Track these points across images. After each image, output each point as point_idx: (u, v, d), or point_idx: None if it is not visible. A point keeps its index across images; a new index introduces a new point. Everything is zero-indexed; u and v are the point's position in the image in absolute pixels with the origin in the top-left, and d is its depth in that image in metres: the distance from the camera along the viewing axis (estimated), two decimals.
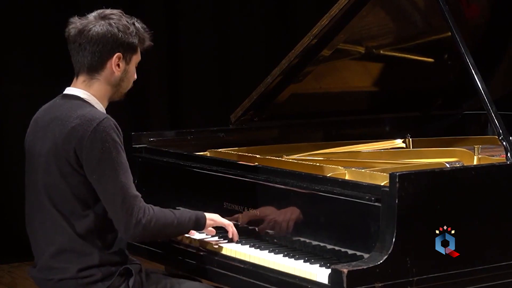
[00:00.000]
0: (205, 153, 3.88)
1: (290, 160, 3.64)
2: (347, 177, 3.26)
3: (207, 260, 3.21)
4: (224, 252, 3.18)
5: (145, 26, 3.12)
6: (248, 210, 3.30)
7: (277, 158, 3.66)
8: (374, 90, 4.47)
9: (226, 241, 3.23)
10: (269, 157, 3.69)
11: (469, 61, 3.36)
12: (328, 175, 3.18)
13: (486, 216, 3.00)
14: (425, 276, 2.83)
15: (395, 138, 4.21)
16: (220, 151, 3.87)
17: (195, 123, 6.10)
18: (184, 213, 3.11)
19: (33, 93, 5.93)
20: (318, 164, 3.48)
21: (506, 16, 4.21)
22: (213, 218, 3.17)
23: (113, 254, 3.02)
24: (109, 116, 2.97)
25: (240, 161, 3.50)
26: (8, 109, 6.00)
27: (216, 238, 3.26)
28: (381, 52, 4.17)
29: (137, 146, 3.83)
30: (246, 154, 3.74)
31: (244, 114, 4.08)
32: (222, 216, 3.23)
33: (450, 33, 3.45)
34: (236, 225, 3.26)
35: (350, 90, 4.38)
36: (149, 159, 3.78)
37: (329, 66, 4.06)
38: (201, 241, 3.28)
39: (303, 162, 3.58)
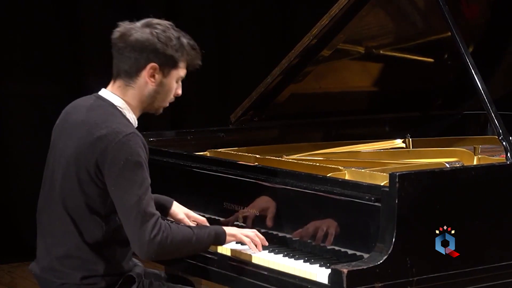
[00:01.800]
0: (205, 153, 3.88)
1: (290, 160, 3.64)
2: (347, 177, 3.26)
3: (207, 260, 3.21)
4: (223, 252, 3.17)
5: (193, 43, 3.04)
6: (247, 210, 3.30)
7: (277, 158, 3.66)
8: (374, 90, 4.47)
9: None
10: (269, 157, 3.69)
11: (469, 61, 3.36)
12: (328, 175, 3.17)
13: (486, 216, 3.00)
14: (425, 276, 2.83)
15: (395, 138, 4.22)
16: (220, 151, 3.87)
17: (195, 123, 6.10)
18: (202, 229, 3.02)
19: (33, 93, 5.94)
20: (318, 164, 3.48)
21: (506, 16, 4.21)
22: (233, 233, 3.06)
23: (119, 265, 2.98)
24: (136, 131, 2.91)
25: (240, 161, 3.50)
26: (8, 109, 6.00)
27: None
28: (381, 52, 4.17)
29: None
30: (246, 154, 3.74)
31: (244, 114, 4.08)
32: (222, 216, 3.22)
33: (450, 33, 3.45)
34: (236, 225, 3.26)
35: (350, 90, 4.38)
36: (149, 159, 3.77)
37: (329, 66, 4.06)
38: None
39: (303, 162, 3.58)
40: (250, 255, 3.08)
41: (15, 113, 5.98)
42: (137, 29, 2.94)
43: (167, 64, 2.97)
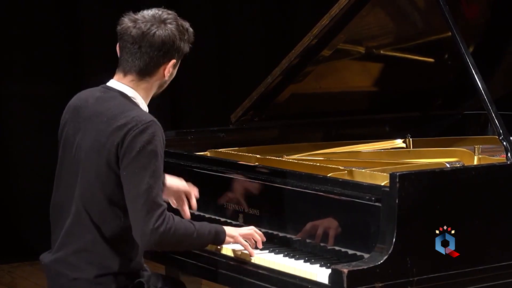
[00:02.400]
0: (205, 153, 3.88)
1: (290, 160, 3.64)
2: (347, 177, 3.26)
3: (207, 260, 3.21)
4: (224, 252, 3.17)
5: (192, 31, 3.09)
6: (248, 210, 3.30)
7: (277, 158, 3.66)
8: (374, 90, 4.47)
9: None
10: (269, 157, 3.69)
11: (469, 61, 3.36)
12: (328, 175, 3.17)
13: (486, 216, 3.00)
14: (425, 276, 2.83)
15: (395, 138, 4.21)
16: (220, 151, 3.86)
17: (195, 123, 6.10)
18: (204, 225, 3.03)
19: (33, 93, 5.95)
20: (318, 164, 3.48)
21: (506, 16, 4.21)
22: (233, 235, 3.08)
23: (132, 262, 2.98)
24: (156, 121, 2.93)
25: (241, 161, 3.50)
26: (8, 109, 6.01)
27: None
28: (381, 52, 4.17)
29: None
30: (246, 154, 3.74)
31: (244, 114, 4.08)
32: (222, 216, 3.22)
33: (450, 33, 3.45)
34: (236, 225, 3.26)
35: (350, 90, 4.38)
36: None
37: (329, 66, 4.06)
38: None
39: (303, 162, 3.58)
40: (250, 255, 3.08)
41: (15, 113, 5.99)
42: (155, 26, 2.96)
43: (180, 56, 3.05)
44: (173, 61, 3.00)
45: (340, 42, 3.88)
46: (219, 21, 6.66)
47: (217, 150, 3.89)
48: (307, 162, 3.56)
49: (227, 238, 3.07)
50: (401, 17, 4.03)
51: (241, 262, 3.10)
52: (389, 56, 4.21)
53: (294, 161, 3.61)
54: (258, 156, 3.69)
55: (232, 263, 3.12)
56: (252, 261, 3.06)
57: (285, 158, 3.73)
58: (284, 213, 3.18)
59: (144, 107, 3.02)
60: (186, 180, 3.35)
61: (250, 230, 3.12)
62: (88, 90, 3.08)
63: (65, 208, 2.98)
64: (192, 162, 3.60)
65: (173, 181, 3.30)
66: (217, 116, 6.10)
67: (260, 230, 3.18)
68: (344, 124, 4.37)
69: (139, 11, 3.04)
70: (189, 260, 3.28)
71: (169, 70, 3.01)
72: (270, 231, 3.21)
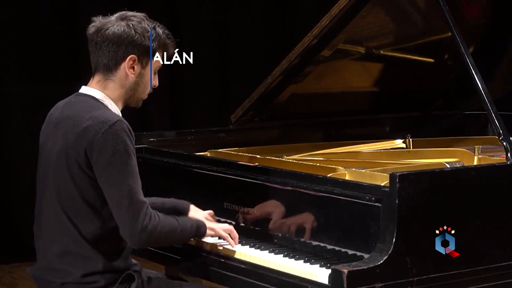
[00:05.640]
0: (205, 153, 3.88)
1: (290, 160, 3.64)
2: (347, 177, 3.26)
3: (207, 260, 3.21)
4: (224, 252, 3.18)
5: (168, 32, 3.08)
6: (247, 210, 3.30)
7: (277, 158, 3.66)
8: (374, 90, 4.47)
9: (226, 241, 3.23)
10: (269, 157, 3.69)
11: (469, 61, 3.36)
12: (328, 175, 3.17)
13: (486, 216, 3.00)
14: (425, 276, 2.83)
15: (395, 138, 4.22)
16: (220, 151, 3.87)
17: (195, 123, 6.11)
18: (186, 220, 3.10)
19: (33, 93, 5.94)
20: (318, 164, 3.48)
21: (506, 16, 4.21)
22: (213, 227, 3.15)
23: (118, 261, 2.99)
24: (122, 119, 2.93)
25: (241, 161, 3.50)
26: (8, 109, 6.01)
27: (216, 239, 3.25)
28: (381, 52, 4.17)
29: (138, 146, 3.82)
30: (246, 154, 3.74)
31: (244, 114, 4.08)
32: (222, 216, 3.23)
33: (450, 33, 3.45)
34: (236, 225, 3.26)
35: (350, 90, 4.39)
36: (150, 160, 3.78)
37: (329, 66, 4.06)
38: (200, 241, 3.28)
39: (303, 162, 3.58)
40: (250, 255, 3.08)
41: (15, 113, 5.99)
42: (112, 23, 2.99)
43: (145, 54, 3.02)
44: (132, 56, 2.98)
45: (340, 42, 3.88)
46: (219, 21, 6.66)
47: (217, 150, 3.89)
48: (307, 162, 3.56)
49: (208, 231, 3.14)
50: (401, 17, 4.03)
51: (241, 262, 3.10)
52: (389, 56, 4.21)
53: (294, 161, 3.61)
54: (258, 156, 3.69)
55: (232, 263, 3.12)
56: (252, 261, 3.06)
57: (285, 158, 3.73)
58: (284, 213, 3.18)
59: (115, 108, 3.02)
60: (187, 180, 3.35)
61: (230, 226, 3.20)
62: (64, 99, 3.11)
63: (44, 213, 3.01)
64: (192, 162, 3.60)
65: (200, 213, 3.30)
66: (217, 116, 6.11)
67: (259, 230, 3.20)
68: (344, 124, 4.38)
69: (138, 11, 3.05)
70: (188, 260, 3.29)
71: (130, 66, 2.99)
72: (270, 231, 3.21)
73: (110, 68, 3.00)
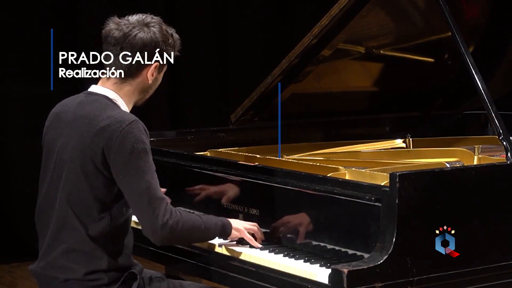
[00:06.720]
0: (205, 153, 3.88)
1: (290, 160, 3.64)
2: (347, 177, 3.26)
3: (208, 260, 3.21)
4: (224, 252, 3.18)
5: (178, 37, 3.10)
6: (248, 210, 3.30)
7: (277, 158, 3.66)
8: (374, 90, 4.47)
9: (227, 241, 3.23)
10: (269, 157, 3.69)
11: (469, 61, 3.36)
12: (328, 175, 3.17)
13: (486, 216, 3.00)
14: (425, 276, 2.83)
15: (395, 138, 4.22)
16: (220, 151, 3.87)
17: (196, 123, 6.10)
18: (210, 218, 3.08)
19: (32, 93, 5.94)
20: (318, 164, 3.48)
21: (506, 16, 4.21)
22: (239, 228, 3.13)
23: (122, 259, 3.00)
24: (138, 119, 2.95)
25: (241, 161, 3.50)
26: (8, 109, 6.00)
27: (215, 239, 3.25)
28: (381, 52, 4.17)
29: None
30: (247, 154, 3.74)
31: (244, 114, 4.09)
32: (222, 216, 3.22)
33: (450, 33, 3.45)
34: None
35: (350, 90, 4.39)
36: None
37: (329, 66, 4.06)
38: None
39: (303, 162, 3.58)
40: (250, 255, 3.08)
41: (15, 113, 5.98)
42: (138, 29, 2.98)
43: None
44: (156, 64, 3.00)
45: (340, 42, 3.88)
46: (219, 21, 6.66)
47: (217, 150, 3.89)
48: (307, 162, 3.56)
49: (233, 232, 3.12)
50: (401, 17, 4.03)
51: (241, 262, 3.10)
52: (389, 56, 4.21)
53: (294, 161, 3.61)
54: (258, 156, 3.69)
55: (232, 262, 3.12)
56: (252, 260, 3.06)
57: (285, 158, 3.73)
58: (284, 213, 3.18)
59: (125, 109, 3.03)
60: (187, 180, 3.35)
61: (254, 225, 3.17)
62: (70, 97, 3.11)
63: (51, 212, 3.00)
64: (192, 162, 3.60)
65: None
66: (217, 116, 6.10)
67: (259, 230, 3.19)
68: (344, 124, 4.38)
69: (137, 11, 3.06)
70: (188, 260, 3.28)
71: (153, 73, 3.02)
72: (270, 231, 3.21)
73: (131, 74, 3.01)
